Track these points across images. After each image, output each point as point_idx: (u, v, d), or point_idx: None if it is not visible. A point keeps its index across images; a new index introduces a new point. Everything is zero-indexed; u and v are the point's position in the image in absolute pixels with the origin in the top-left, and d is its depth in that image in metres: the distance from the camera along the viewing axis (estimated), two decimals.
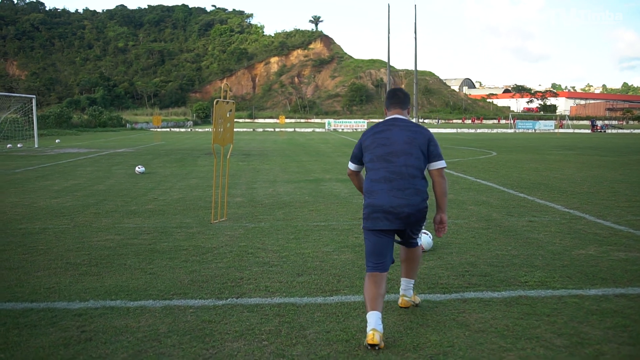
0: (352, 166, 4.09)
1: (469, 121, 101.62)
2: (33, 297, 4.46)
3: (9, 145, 26.74)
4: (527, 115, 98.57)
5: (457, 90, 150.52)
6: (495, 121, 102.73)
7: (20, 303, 4.31)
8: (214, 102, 7.37)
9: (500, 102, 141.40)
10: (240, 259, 5.65)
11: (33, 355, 3.38)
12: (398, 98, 4.02)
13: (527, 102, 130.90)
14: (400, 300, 4.24)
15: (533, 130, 57.12)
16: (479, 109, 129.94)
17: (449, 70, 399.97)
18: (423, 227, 4.07)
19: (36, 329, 3.79)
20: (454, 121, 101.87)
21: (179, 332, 3.74)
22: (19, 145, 27.26)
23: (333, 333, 3.71)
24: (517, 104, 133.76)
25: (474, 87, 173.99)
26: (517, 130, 56.65)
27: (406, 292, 4.23)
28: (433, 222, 3.94)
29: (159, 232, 6.94)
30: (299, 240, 6.51)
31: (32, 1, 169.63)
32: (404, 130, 3.81)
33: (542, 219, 7.72)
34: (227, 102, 7.72)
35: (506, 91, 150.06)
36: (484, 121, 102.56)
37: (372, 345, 3.43)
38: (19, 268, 5.31)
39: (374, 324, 3.49)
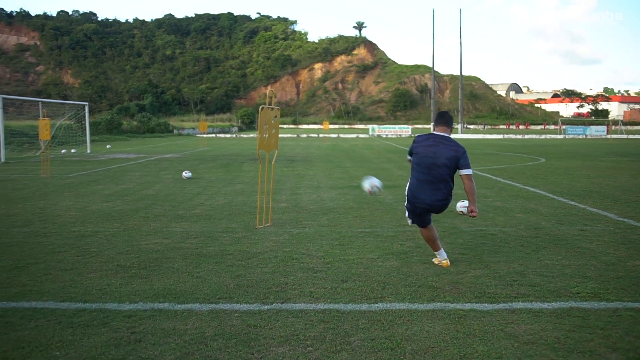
0: (409, 157, 5.73)
1: (515, 127, 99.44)
2: (86, 297, 4.60)
3: (63, 151, 27.74)
4: (578, 120, 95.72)
5: (504, 95, 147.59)
6: (542, 126, 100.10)
7: (74, 303, 4.46)
8: (259, 109, 7.45)
9: (549, 107, 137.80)
10: (285, 264, 5.69)
11: (86, 354, 3.49)
12: (445, 119, 5.63)
13: (578, 107, 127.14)
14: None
15: (584, 136, 55.45)
16: (526, 114, 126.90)
17: (495, 74, 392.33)
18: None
19: (89, 329, 3.91)
20: (500, 127, 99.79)
21: (225, 335, 3.79)
22: (72, 151, 28.25)
23: (378, 341, 3.69)
24: (567, 109, 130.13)
25: (521, 91, 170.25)
26: (566, 136, 55.11)
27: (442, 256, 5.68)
28: (468, 213, 5.44)
29: (206, 237, 7.06)
30: (344, 246, 6.50)
31: (86, 12, 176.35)
32: (447, 149, 5.38)
33: (594, 228, 7.48)
34: (272, 109, 7.80)
35: (555, 96, 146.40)
36: (531, 127, 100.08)
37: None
38: (72, 269, 5.50)
39: (445, 255, 5.65)
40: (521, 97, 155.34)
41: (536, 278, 5.12)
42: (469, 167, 5.40)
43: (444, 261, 5.59)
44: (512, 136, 54.57)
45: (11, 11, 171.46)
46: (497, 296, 4.61)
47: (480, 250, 6.26)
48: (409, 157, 5.71)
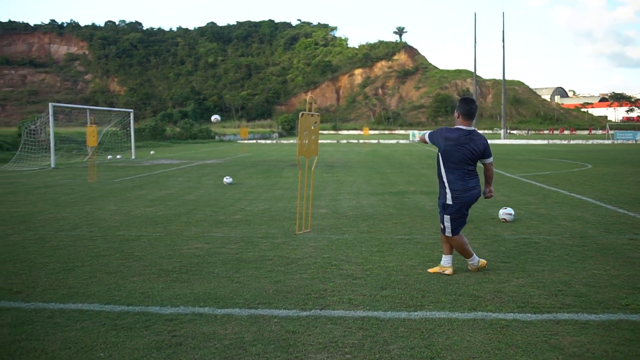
0: (427, 139, 5.67)
1: (558, 132, 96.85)
2: (129, 300, 4.71)
3: (109, 157, 28.55)
4: (627, 125, 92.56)
5: (549, 100, 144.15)
6: (587, 132, 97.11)
7: (118, 306, 4.57)
8: (299, 115, 7.49)
9: (597, 112, 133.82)
10: (324, 270, 5.69)
11: (129, 357, 3.57)
12: (473, 112, 5.46)
13: (627, 111, 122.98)
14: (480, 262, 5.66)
15: (634, 141, 53.57)
16: (572, 119, 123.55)
17: (540, 78, 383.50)
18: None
19: (132, 332, 3.99)
20: (544, 132, 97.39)
21: (263, 341, 3.81)
22: (118, 157, 29.04)
23: (417, 349, 3.64)
24: (616, 113, 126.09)
25: (567, 96, 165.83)
26: (615, 141, 53.37)
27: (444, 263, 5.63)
28: (485, 193, 5.70)
29: (245, 242, 7.13)
30: (383, 253, 6.45)
31: (132, 22, 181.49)
32: (478, 143, 5.42)
33: None
34: (312, 115, 7.82)
35: (603, 100, 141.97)
36: (577, 132, 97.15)
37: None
38: (116, 272, 5.63)
39: (478, 258, 5.63)
40: (567, 102, 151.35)
41: (582, 288, 4.97)
42: (490, 156, 5.68)
43: (476, 264, 5.58)
44: (557, 141, 53.21)
45: (62, 22, 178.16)
46: (541, 306, 4.49)
47: (523, 258, 6.11)
48: (427, 139, 5.71)
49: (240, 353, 3.62)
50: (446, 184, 5.44)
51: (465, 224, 5.58)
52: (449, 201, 5.42)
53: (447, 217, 5.43)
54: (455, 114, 5.53)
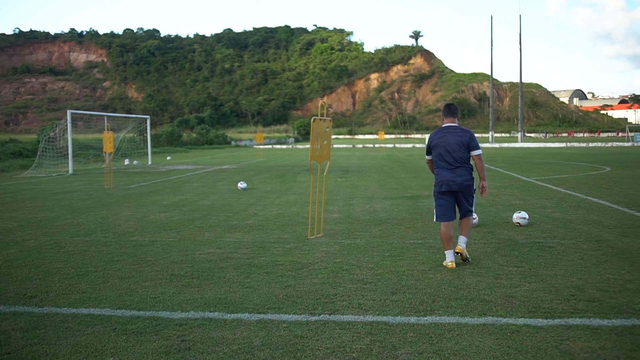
0: (428, 157, 6.41)
1: (580, 134, 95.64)
2: (140, 305, 4.75)
3: (126, 162, 28.85)
4: None
5: (567, 102, 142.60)
6: (607, 133, 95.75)
7: (129, 311, 4.61)
8: (312, 120, 7.51)
9: (616, 114, 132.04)
10: (334, 275, 5.68)
11: None
12: (451, 111, 6.30)
13: None
14: (456, 247, 6.04)
15: None
16: (591, 121, 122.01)
17: (558, 81, 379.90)
18: (474, 201, 6.30)
19: (142, 336, 4.03)
20: (562, 135, 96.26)
21: (272, 346, 3.82)
22: (134, 162, 29.33)
23: (425, 355, 3.62)
24: (636, 115, 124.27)
25: (586, 98, 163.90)
26: (635, 144, 52.58)
27: (461, 243, 6.07)
28: (479, 188, 6.25)
29: (258, 247, 7.15)
30: (395, 257, 6.43)
31: (150, 29, 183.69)
32: (454, 135, 6.10)
33: None
34: (324, 120, 7.84)
35: (623, 102, 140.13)
36: (587, 134, 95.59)
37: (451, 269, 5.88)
38: (129, 278, 5.69)
39: (452, 257, 5.98)
40: (585, 104, 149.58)
41: (596, 293, 4.90)
42: (478, 148, 6.15)
43: (451, 262, 5.95)
44: (576, 144, 52.59)
45: (81, 31, 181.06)
46: (553, 311, 4.43)
47: (536, 263, 6.05)
48: (428, 157, 6.39)
49: (248, 358, 3.63)
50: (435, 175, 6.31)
51: (450, 213, 6.12)
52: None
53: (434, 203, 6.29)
54: (443, 116, 6.37)
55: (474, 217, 7.65)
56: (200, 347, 3.82)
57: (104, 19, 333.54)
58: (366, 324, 4.24)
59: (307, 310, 4.56)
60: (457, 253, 6.01)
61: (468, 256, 6.12)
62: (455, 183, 6.03)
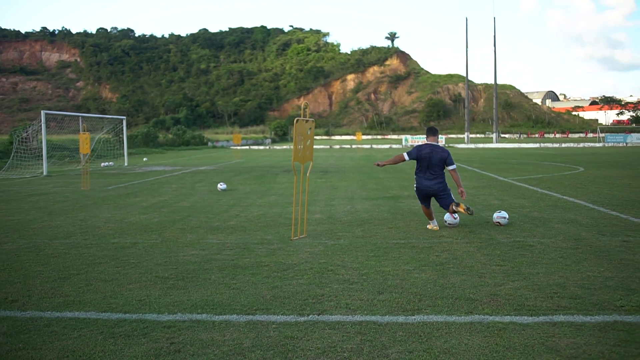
0: (407, 157, 8.27)
1: (551, 135, 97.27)
2: (126, 308, 4.70)
3: (103, 164, 28.45)
4: (618, 128, 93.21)
5: (540, 104, 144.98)
6: (577, 134, 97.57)
7: (115, 314, 4.55)
8: (295, 121, 7.52)
9: (587, 115, 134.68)
10: (320, 275, 5.69)
11: None
12: (434, 132, 8.34)
13: (617, 114, 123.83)
14: (459, 206, 7.91)
15: (624, 144, 53.95)
16: (563, 122, 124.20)
17: (531, 83, 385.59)
18: (450, 193, 8.16)
19: (130, 339, 3.99)
20: (535, 135, 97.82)
21: (262, 347, 3.82)
22: (110, 164, 28.94)
23: (415, 353, 3.66)
24: (606, 117, 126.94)
25: (558, 99, 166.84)
26: (606, 144, 53.74)
27: (461, 203, 8.19)
28: (459, 193, 8.03)
29: (241, 248, 7.13)
30: (379, 257, 6.47)
31: (124, 29, 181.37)
32: (437, 154, 8.04)
33: (638, 239, 7.26)
34: (307, 121, 7.85)
35: (593, 103, 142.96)
36: (559, 135, 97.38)
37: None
38: (112, 280, 5.62)
39: (435, 223, 8.25)
40: (558, 105, 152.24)
41: (578, 290, 5.00)
42: (453, 163, 8.16)
43: (435, 226, 8.18)
44: (549, 145, 53.52)
45: (54, 30, 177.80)
46: (537, 309, 4.52)
47: (518, 261, 6.15)
48: (406, 158, 8.24)
49: (239, 359, 3.62)
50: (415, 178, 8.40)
51: (427, 202, 8.27)
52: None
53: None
54: (426, 136, 8.36)
55: (455, 216, 8.48)
56: (190, 349, 3.80)
57: (77, 17, 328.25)
58: (355, 323, 4.26)
59: (296, 311, 4.56)
60: (464, 209, 7.78)
61: (468, 206, 7.98)
62: (432, 190, 8.09)
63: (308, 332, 4.08)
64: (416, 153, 8.11)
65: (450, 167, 8.08)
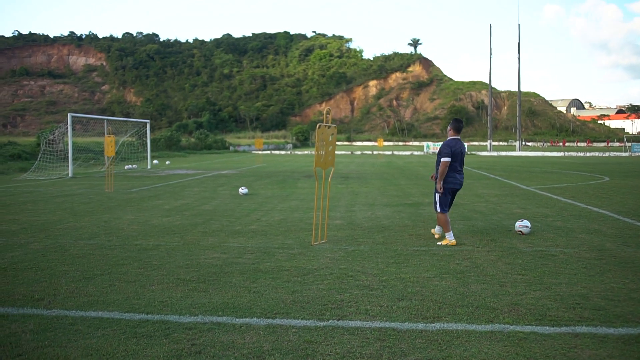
0: (448, 159, 7.75)
1: (572, 143, 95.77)
2: (148, 309, 4.77)
3: (126, 166, 28.84)
4: None
5: (564, 112, 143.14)
6: (601, 143, 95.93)
7: (138, 314, 4.63)
8: (317, 127, 7.56)
9: (613, 124, 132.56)
10: (340, 281, 5.71)
11: None
12: (460, 127, 7.99)
13: None
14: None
15: None
16: (588, 131, 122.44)
17: (556, 90, 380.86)
18: None
19: (151, 340, 4.05)
20: (558, 144, 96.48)
21: (282, 350, 3.84)
22: (134, 166, 29.32)
23: None
24: (633, 125, 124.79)
25: (583, 107, 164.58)
26: (632, 154, 52.79)
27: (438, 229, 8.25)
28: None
29: (262, 252, 7.18)
30: (399, 264, 6.47)
31: (149, 33, 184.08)
32: (462, 147, 7.90)
33: None
34: (329, 127, 7.89)
35: (620, 112, 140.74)
36: (581, 144, 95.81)
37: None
38: (135, 281, 5.71)
39: (453, 236, 7.76)
40: (583, 114, 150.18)
41: (601, 302, 4.94)
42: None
43: (452, 241, 7.66)
44: (574, 153, 52.80)
45: (81, 34, 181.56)
46: (559, 319, 4.47)
47: (540, 271, 6.09)
48: (448, 159, 7.72)
49: None
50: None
51: (450, 205, 8.03)
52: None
53: (437, 196, 7.90)
54: (448, 128, 8.01)
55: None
56: (211, 351, 3.85)
57: (104, 22, 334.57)
58: (374, 329, 4.26)
59: (315, 316, 4.59)
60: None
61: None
62: (461, 184, 7.98)
63: (327, 337, 4.09)
64: (451, 150, 7.76)
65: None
